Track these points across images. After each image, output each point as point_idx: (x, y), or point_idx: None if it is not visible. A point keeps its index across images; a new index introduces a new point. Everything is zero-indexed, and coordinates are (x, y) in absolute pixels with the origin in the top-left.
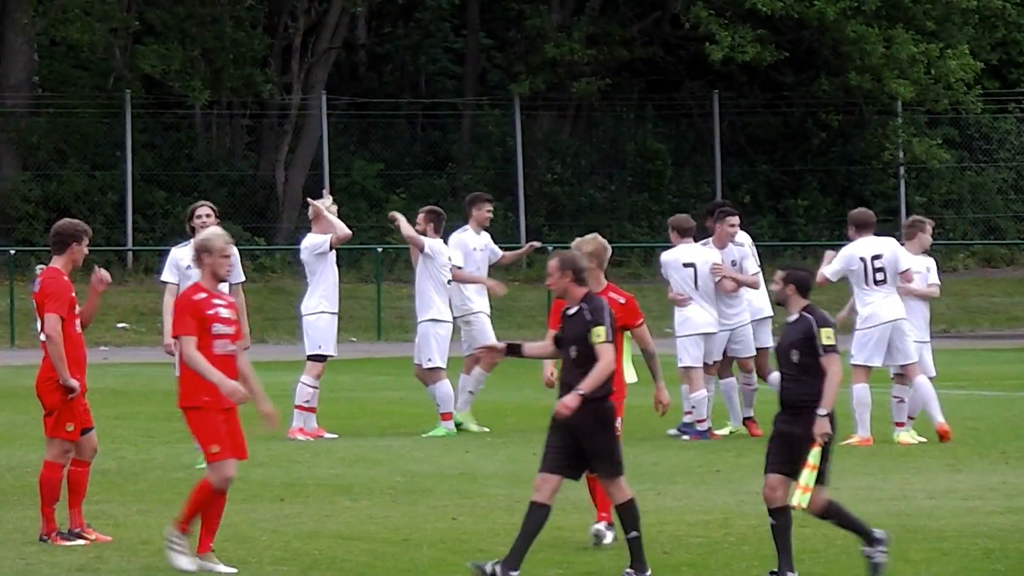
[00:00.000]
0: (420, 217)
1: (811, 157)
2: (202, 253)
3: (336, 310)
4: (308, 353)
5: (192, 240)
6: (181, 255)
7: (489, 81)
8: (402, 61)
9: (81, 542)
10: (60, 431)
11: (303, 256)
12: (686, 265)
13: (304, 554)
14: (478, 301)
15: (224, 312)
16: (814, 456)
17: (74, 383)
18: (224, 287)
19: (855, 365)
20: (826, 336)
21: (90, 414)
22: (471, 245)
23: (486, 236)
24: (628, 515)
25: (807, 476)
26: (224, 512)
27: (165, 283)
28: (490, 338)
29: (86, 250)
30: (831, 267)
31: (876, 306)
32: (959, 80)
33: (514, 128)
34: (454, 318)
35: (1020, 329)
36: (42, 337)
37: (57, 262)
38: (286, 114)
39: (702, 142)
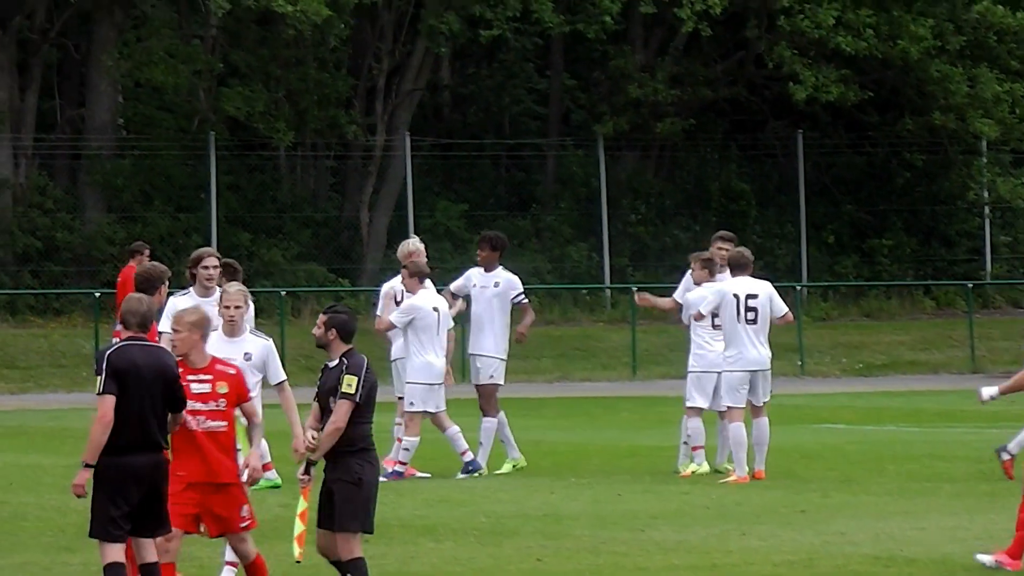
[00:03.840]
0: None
1: (895, 197)
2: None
3: None
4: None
5: (192, 289)
6: (181, 303)
7: (573, 122)
8: (486, 102)
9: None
10: None
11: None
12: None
13: None
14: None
15: (197, 388)
16: (302, 504)
17: None
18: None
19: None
20: (347, 383)
21: None
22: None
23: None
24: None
25: (298, 525)
26: (307, 552)
27: (161, 333)
28: None
29: (163, 292)
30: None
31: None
32: None
33: (598, 169)
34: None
35: None
36: None
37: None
38: (370, 155)
39: (786, 182)
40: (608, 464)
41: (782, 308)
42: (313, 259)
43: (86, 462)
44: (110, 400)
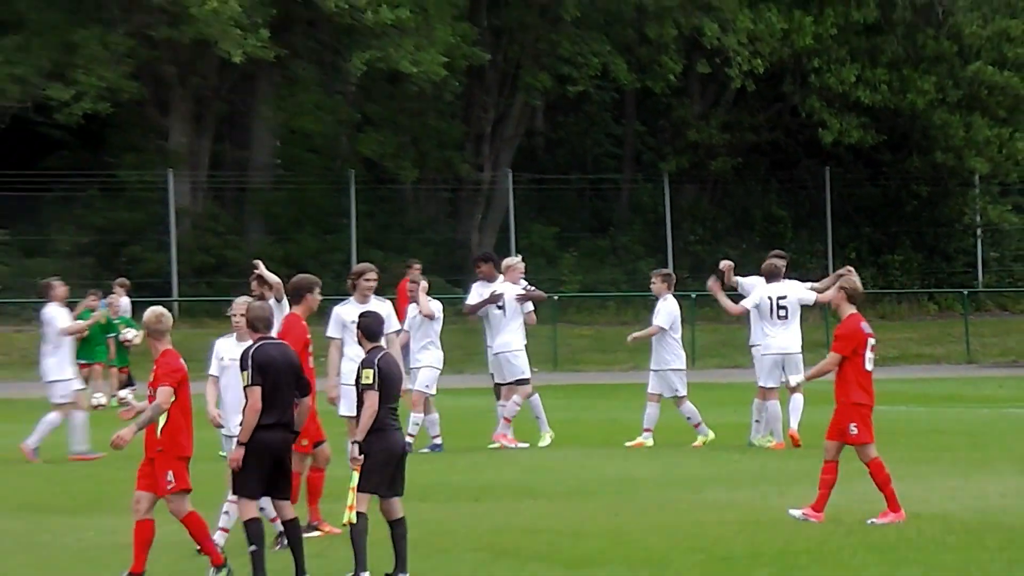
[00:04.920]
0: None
1: (904, 221)
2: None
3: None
4: (517, 378)
5: (352, 298)
6: (344, 312)
7: (643, 160)
8: (572, 145)
9: (316, 533)
10: (298, 447)
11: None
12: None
13: (495, 544)
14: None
15: None
16: (354, 479)
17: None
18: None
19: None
20: (365, 376)
21: (322, 430)
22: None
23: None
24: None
25: (351, 496)
26: (428, 509)
27: (331, 339)
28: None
29: (319, 298)
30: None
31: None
32: None
33: (663, 198)
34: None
35: None
36: None
37: (297, 309)
38: (479, 188)
39: (816, 209)
40: (671, 437)
41: (809, 296)
42: (433, 273)
43: (240, 441)
44: (258, 390)
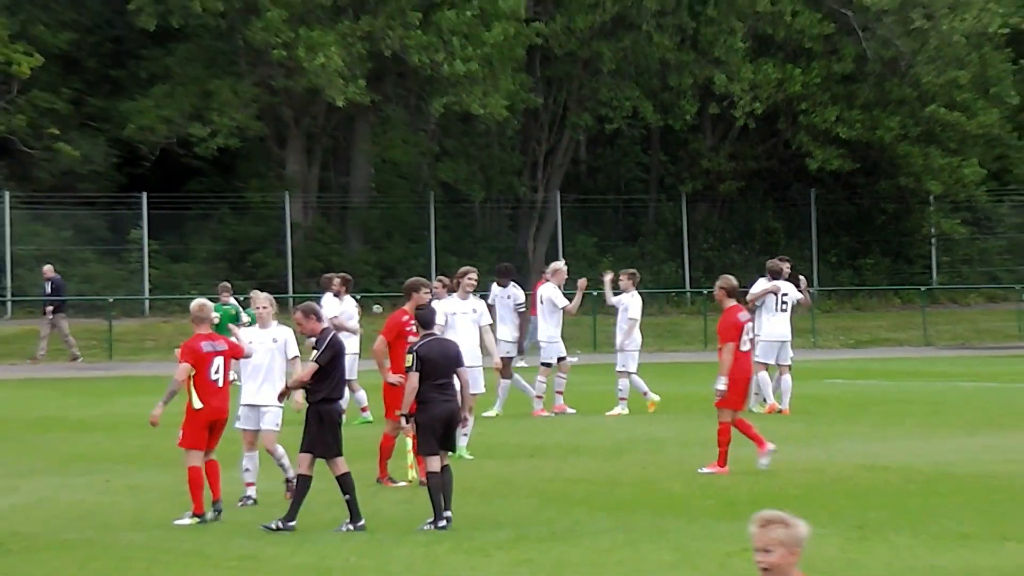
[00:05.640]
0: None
1: (875, 232)
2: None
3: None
4: (543, 361)
5: (455, 294)
6: (444, 306)
7: (665, 184)
8: (609, 171)
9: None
10: (392, 415)
11: (547, 304)
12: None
13: (546, 492)
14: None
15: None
16: (409, 443)
17: (394, 379)
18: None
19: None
20: (408, 360)
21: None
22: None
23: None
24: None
25: (410, 456)
26: (492, 464)
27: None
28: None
29: (425, 296)
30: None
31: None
32: (971, 181)
33: (681, 214)
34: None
35: (1009, 343)
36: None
37: (405, 305)
38: (533, 205)
39: (804, 223)
40: (689, 406)
41: (797, 295)
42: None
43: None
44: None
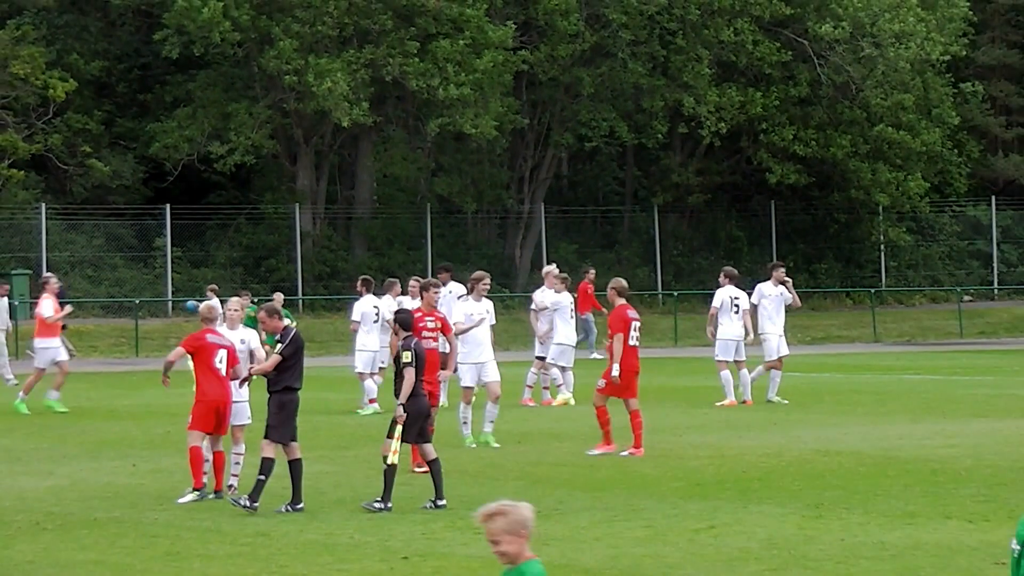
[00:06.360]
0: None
1: (829, 240)
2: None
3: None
4: (538, 355)
5: (471, 296)
6: (463, 307)
7: (639, 196)
8: (588, 184)
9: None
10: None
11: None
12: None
13: (532, 474)
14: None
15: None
16: (399, 430)
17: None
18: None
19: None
20: (405, 356)
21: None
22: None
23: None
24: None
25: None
26: (482, 449)
27: (454, 323)
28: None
29: (435, 296)
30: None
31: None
32: (916, 194)
33: (654, 224)
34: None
35: (950, 340)
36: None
37: (420, 304)
38: (520, 216)
39: (764, 231)
40: (659, 397)
41: (789, 297)
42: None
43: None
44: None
